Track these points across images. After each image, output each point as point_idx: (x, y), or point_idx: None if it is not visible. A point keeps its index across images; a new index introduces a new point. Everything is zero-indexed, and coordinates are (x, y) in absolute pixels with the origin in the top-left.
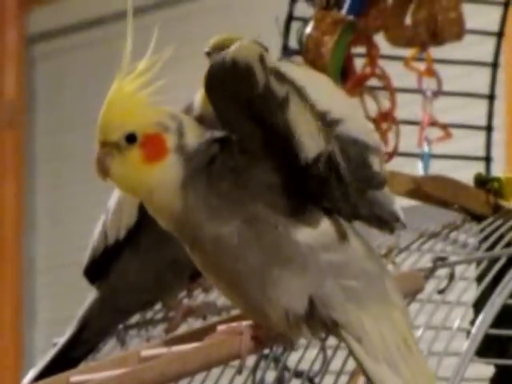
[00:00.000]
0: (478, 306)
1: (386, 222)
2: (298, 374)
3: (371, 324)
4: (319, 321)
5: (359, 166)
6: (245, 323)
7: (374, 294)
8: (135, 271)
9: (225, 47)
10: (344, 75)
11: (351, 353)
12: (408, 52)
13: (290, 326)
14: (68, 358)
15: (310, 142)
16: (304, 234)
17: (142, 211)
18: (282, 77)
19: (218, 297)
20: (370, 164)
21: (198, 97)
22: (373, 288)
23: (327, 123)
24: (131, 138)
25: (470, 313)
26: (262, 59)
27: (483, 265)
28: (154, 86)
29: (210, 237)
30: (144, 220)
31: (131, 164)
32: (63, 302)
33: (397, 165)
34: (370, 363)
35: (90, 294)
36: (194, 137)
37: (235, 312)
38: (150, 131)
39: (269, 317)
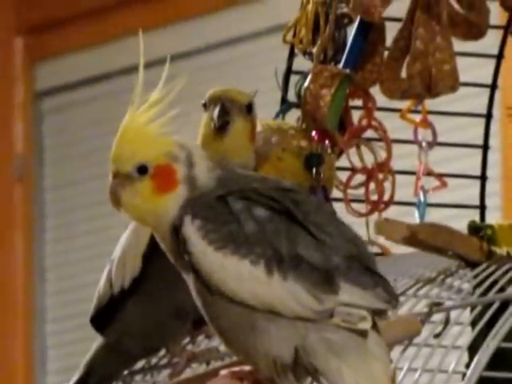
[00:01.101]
0: (473, 349)
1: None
2: None
3: (350, 374)
4: (303, 368)
5: None
6: (246, 368)
7: (353, 347)
8: (140, 319)
9: (221, 99)
10: (342, 127)
11: None
12: (404, 104)
13: (277, 372)
14: None
15: None
16: None
17: (146, 261)
18: None
19: (220, 343)
20: None
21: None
22: (353, 341)
23: None
24: (142, 170)
25: (465, 356)
26: None
27: (477, 309)
28: (165, 118)
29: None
30: (148, 269)
31: (142, 195)
32: (73, 350)
33: (394, 213)
34: None
35: (96, 341)
36: (204, 170)
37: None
38: (161, 162)
39: (258, 364)
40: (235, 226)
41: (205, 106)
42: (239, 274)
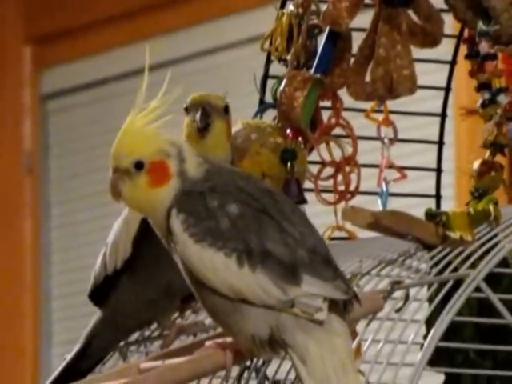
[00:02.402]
0: (430, 322)
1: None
2: (275, 382)
3: (314, 348)
4: (278, 343)
5: None
6: (228, 339)
7: (318, 325)
8: (133, 296)
9: (202, 103)
10: (313, 125)
11: (296, 371)
12: (368, 105)
13: (256, 346)
14: (75, 371)
15: None
16: None
17: (136, 245)
18: None
19: (206, 317)
20: None
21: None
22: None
23: None
24: (139, 165)
25: (423, 329)
26: None
27: (434, 287)
28: (160, 121)
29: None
30: (138, 252)
31: (140, 188)
32: (75, 324)
33: (359, 202)
34: (309, 381)
35: (94, 316)
36: (194, 164)
37: (220, 330)
38: (155, 159)
39: (239, 339)
40: (213, 221)
41: (186, 109)
42: (214, 265)
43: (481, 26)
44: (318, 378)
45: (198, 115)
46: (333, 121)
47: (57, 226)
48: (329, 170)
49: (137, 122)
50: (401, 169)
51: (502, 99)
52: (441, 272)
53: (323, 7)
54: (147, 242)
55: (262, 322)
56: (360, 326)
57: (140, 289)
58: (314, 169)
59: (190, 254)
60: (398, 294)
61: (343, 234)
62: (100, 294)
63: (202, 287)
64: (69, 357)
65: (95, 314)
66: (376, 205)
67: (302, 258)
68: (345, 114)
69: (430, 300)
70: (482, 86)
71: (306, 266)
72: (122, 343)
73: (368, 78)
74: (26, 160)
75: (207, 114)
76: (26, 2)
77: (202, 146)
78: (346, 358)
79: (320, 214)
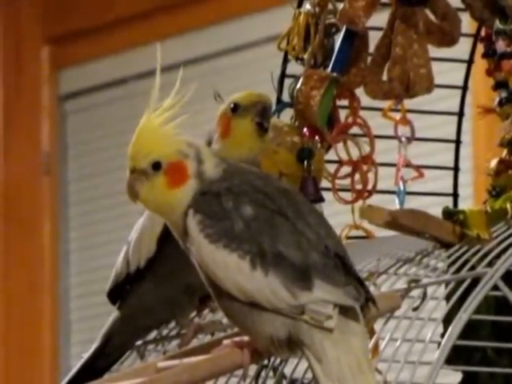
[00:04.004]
0: (447, 321)
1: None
2: (293, 381)
3: (331, 348)
4: (295, 343)
5: None
6: (246, 338)
7: (336, 324)
8: (153, 295)
9: (260, 103)
10: (330, 124)
11: (312, 370)
12: (385, 104)
13: (274, 346)
14: (93, 369)
15: None
16: None
17: (160, 244)
18: None
19: (223, 316)
20: None
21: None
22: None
23: None
24: (157, 166)
25: (440, 327)
26: None
27: (451, 286)
28: (177, 120)
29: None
30: (162, 251)
31: (157, 189)
32: (93, 324)
33: (376, 201)
34: (325, 381)
35: (112, 314)
36: (212, 165)
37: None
38: (173, 159)
39: (256, 339)
40: (228, 222)
41: (236, 107)
42: (227, 266)
43: (498, 24)
44: (334, 377)
45: (261, 114)
46: (350, 120)
47: (75, 226)
48: (346, 169)
49: (153, 122)
50: (418, 168)
51: None
52: (458, 270)
53: (340, 6)
54: (170, 241)
55: (280, 323)
56: (377, 325)
57: (161, 287)
58: (332, 168)
59: (205, 254)
60: (416, 292)
61: (360, 233)
62: (118, 292)
63: (217, 288)
64: (86, 356)
65: (113, 313)
66: (393, 204)
67: (315, 262)
68: (362, 113)
69: (448, 298)
70: (499, 85)
71: (318, 270)
72: (139, 342)
73: (385, 77)
74: (44, 161)
75: (269, 114)
76: (44, 2)
77: (261, 145)
78: (363, 358)
79: (337, 213)
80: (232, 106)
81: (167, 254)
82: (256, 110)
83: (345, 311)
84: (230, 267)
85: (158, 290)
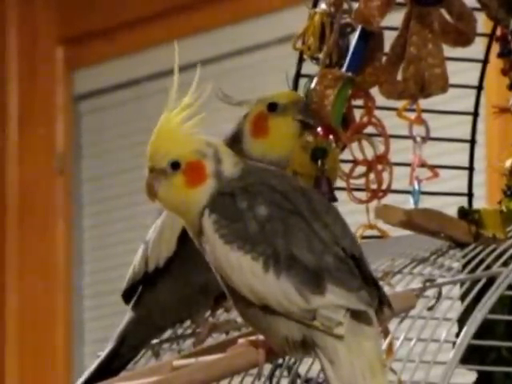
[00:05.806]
0: (462, 320)
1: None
2: (307, 381)
3: (344, 351)
4: (309, 344)
5: None
6: (261, 337)
7: (349, 327)
8: (168, 294)
9: (300, 101)
10: (345, 124)
11: (323, 371)
12: (400, 104)
13: (289, 346)
14: (109, 368)
15: None
16: None
17: (180, 243)
18: None
19: (238, 315)
20: None
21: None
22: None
23: None
24: (175, 166)
25: (455, 327)
26: None
27: (466, 285)
28: (195, 119)
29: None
30: (180, 251)
31: (176, 188)
32: (107, 323)
33: (391, 201)
34: (337, 383)
35: (127, 314)
36: (230, 165)
37: None
38: (192, 159)
39: (271, 339)
40: (242, 223)
41: (275, 106)
42: (241, 268)
43: None
44: (346, 380)
45: (305, 113)
46: (365, 119)
47: (89, 226)
48: (361, 169)
49: (172, 121)
50: (433, 167)
51: None
52: (473, 270)
53: (355, 6)
54: (188, 240)
55: (295, 325)
56: (392, 325)
57: (178, 287)
58: (346, 167)
59: (219, 254)
60: (430, 292)
61: (375, 233)
62: (132, 292)
63: (232, 288)
64: (102, 355)
65: (127, 313)
66: (408, 204)
67: (328, 266)
68: (377, 112)
69: (463, 298)
70: None
71: (331, 274)
72: (154, 341)
73: (400, 77)
74: (58, 161)
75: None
76: (58, 2)
77: (300, 143)
78: (375, 361)
79: (352, 213)
80: (269, 105)
81: (185, 254)
82: (298, 108)
83: (358, 315)
84: (243, 269)
85: (174, 290)
